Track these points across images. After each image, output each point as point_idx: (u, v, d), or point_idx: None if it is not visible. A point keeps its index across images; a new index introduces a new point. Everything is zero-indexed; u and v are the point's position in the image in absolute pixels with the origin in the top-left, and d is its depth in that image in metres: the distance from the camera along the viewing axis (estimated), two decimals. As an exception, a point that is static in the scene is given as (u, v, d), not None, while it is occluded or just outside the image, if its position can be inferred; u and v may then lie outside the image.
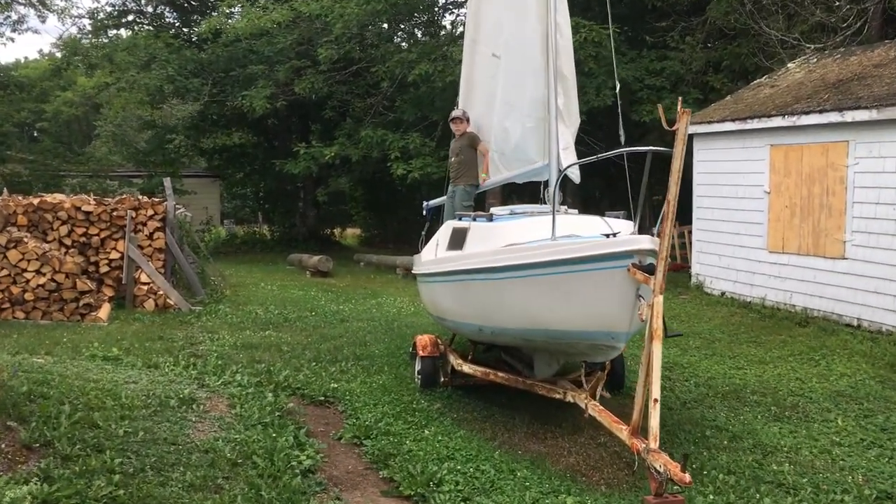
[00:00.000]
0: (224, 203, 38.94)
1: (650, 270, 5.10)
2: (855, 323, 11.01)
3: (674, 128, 4.71)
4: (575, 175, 8.08)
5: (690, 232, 15.70)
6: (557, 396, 6.80)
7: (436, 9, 23.70)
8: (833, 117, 11.24)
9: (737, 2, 17.83)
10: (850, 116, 10.97)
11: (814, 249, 11.77)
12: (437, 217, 10.97)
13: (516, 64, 8.35)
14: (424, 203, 11.24)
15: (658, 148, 5.25)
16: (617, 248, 5.31)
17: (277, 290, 16.52)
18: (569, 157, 7.81)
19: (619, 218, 7.34)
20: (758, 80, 15.37)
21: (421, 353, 8.51)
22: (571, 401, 6.58)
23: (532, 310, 6.26)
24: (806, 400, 7.84)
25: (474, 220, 7.82)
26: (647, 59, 19.41)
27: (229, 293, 15.36)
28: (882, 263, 10.62)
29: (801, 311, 11.93)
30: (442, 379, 8.29)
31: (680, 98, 5.31)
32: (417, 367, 8.49)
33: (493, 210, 8.19)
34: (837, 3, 16.55)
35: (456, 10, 23.59)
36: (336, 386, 8.26)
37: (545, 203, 8.17)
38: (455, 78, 20.12)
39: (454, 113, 9.45)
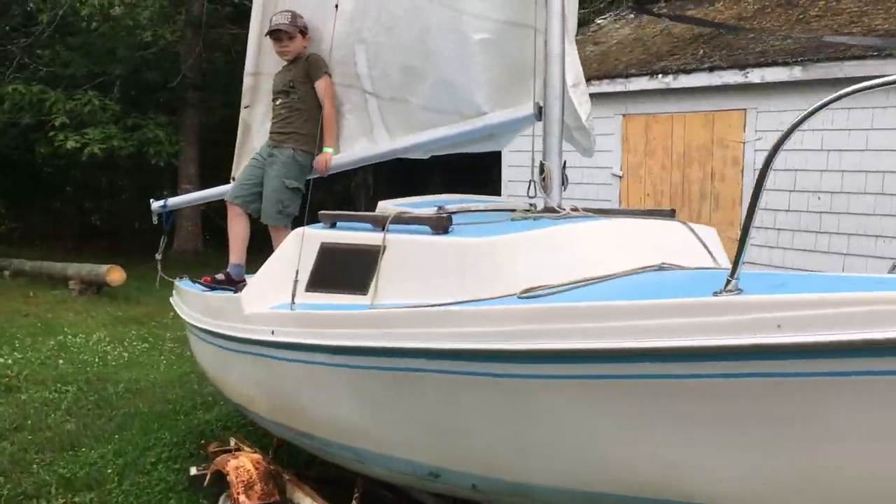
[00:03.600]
0: None
1: None
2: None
3: None
4: (590, 141, 4.18)
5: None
6: None
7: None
8: (730, 77, 8.51)
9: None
10: (757, 76, 8.29)
11: (692, 250, 9.03)
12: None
13: None
14: (157, 203, 6.63)
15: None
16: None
17: None
18: (582, 100, 3.93)
19: (684, 224, 3.68)
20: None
21: (241, 497, 4.13)
22: None
23: (660, 454, 2.50)
24: None
25: (385, 229, 3.62)
26: None
27: None
28: (799, 269, 8.12)
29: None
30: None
31: None
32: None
33: (422, 209, 3.99)
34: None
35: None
36: None
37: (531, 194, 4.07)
38: (151, 15, 14.93)
39: (276, 20, 5.07)
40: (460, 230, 3.49)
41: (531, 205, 4.56)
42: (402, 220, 3.65)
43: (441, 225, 3.44)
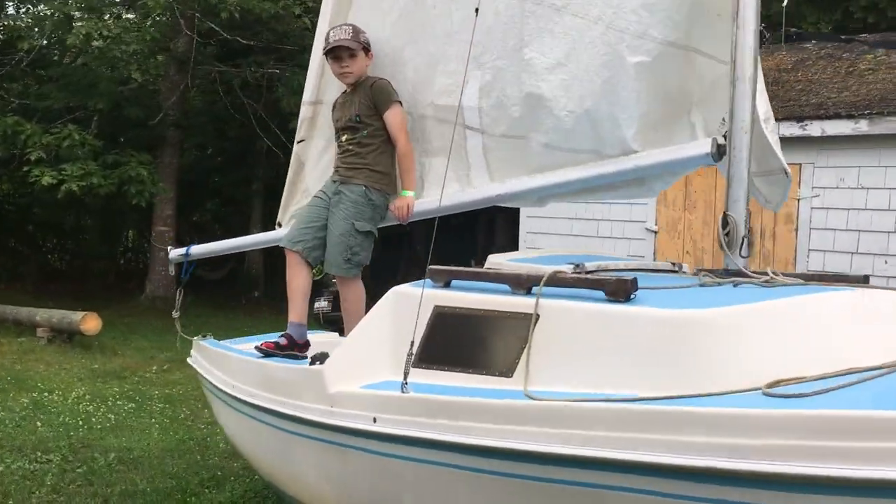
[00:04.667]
0: None
1: None
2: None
3: None
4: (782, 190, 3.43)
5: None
6: None
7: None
8: (786, 129, 7.92)
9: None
10: (817, 128, 7.75)
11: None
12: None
13: None
14: (176, 252, 5.75)
15: None
16: None
17: None
18: (773, 139, 3.23)
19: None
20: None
21: None
22: None
23: None
24: None
25: (537, 293, 2.82)
26: None
27: None
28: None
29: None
30: None
31: None
32: None
33: (545, 264, 3.20)
34: None
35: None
36: None
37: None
38: (138, 50, 14.05)
39: (336, 35, 4.31)
40: (645, 298, 2.71)
41: (674, 264, 3.83)
42: (559, 281, 2.86)
43: (623, 290, 2.67)
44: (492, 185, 3.89)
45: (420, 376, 3.08)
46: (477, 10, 3.50)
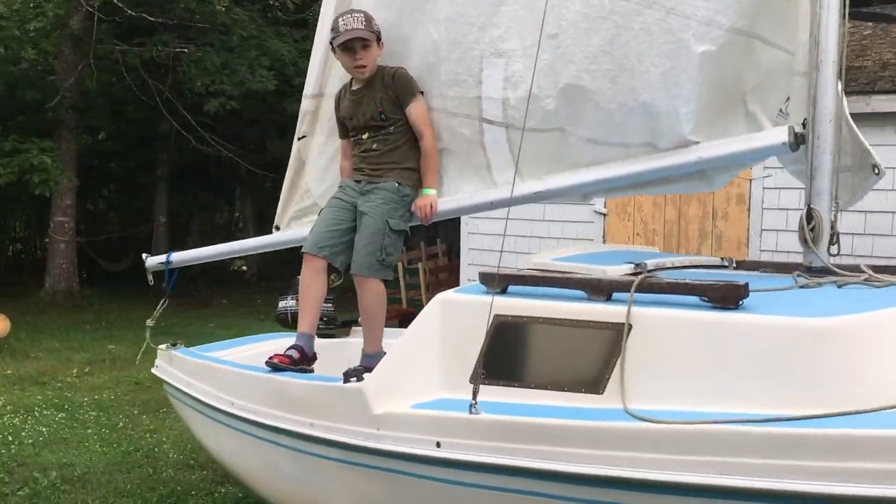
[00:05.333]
0: None
1: None
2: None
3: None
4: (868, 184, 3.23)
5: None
6: None
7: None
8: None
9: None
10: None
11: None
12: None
13: None
14: (154, 259, 5.28)
15: None
16: None
17: None
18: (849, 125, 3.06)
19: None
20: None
21: None
22: None
23: None
24: None
25: (629, 300, 2.57)
26: None
27: None
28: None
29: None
30: None
31: None
32: None
33: (596, 263, 2.93)
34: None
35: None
36: None
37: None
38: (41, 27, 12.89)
39: (348, 23, 3.88)
40: (752, 304, 2.51)
41: (724, 259, 3.66)
42: (650, 287, 2.62)
43: (733, 296, 2.45)
44: (530, 183, 3.58)
45: (483, 394, 2.79)
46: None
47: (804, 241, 2.96)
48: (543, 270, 3.17)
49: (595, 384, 2.58)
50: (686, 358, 2.47)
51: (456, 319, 2.96)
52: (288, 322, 5.86)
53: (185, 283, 18.88)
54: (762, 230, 8.01)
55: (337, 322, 5.94)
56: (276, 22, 16.29)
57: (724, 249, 8.25)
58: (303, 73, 15.46)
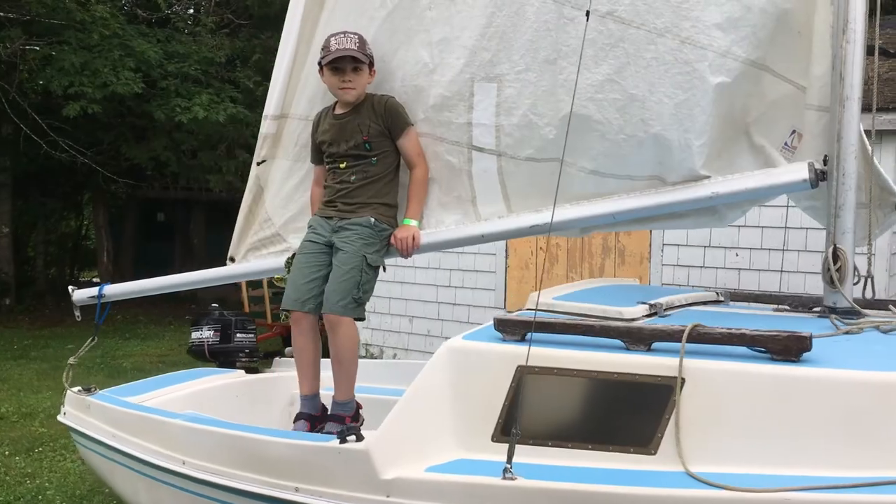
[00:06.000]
0: None
1: None
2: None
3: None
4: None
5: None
6: None
7: None
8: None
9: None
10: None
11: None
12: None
13: None
14: (83, 292, 4.77)
15: None
16: None
17: None
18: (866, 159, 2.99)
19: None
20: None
21: None
22: None
23: None
24: None
25: (681, 351, 2.40)
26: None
27: None
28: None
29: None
30: None
31: None
32: None
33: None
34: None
35: None
36: None
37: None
38: None
39: (340, 43, 3.64)
40: (811, 356, 2.39)
41: (718, 293, 3.57)
42: (700, 337, 2.46)
43: (796, 348, 2.33)
44: (526, 216, 3.38)
45: (504, 453, 2.55)
46: (588, 12, 2.96)
47: (830, 282, 2.92)
48: (554, 311, 2.97)
49: (646, 443, 2.41)
50: (747, 415, 2.33)
51: (469, 370, 2.72)
52: (205, 355, 5.40)
53: (32, 299, 17.45)
54: (664, 244, 8.16)
55: (259, 354, 5.54)
56: (135, 19, 15.32)
57: (626, 264, 8.36)
58: (170, 75, 14.54)
